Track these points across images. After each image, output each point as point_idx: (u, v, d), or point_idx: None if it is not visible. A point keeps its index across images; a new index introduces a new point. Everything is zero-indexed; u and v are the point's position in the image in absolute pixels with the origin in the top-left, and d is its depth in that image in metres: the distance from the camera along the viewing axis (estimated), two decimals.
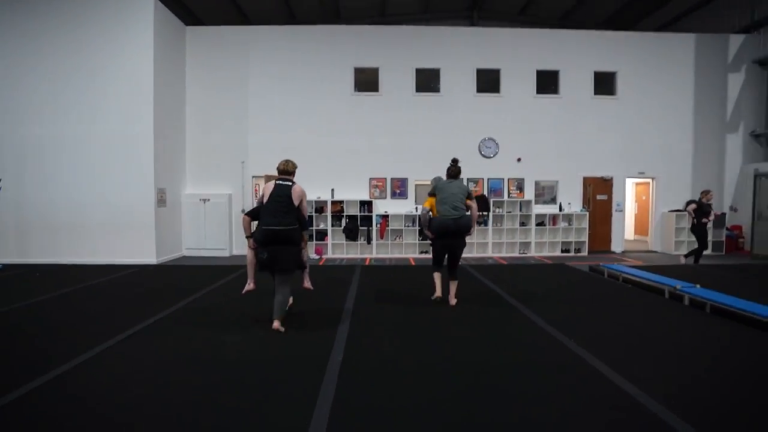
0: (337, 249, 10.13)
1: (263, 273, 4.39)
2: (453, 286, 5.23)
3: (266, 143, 10.04)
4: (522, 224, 10.31)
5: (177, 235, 9.71)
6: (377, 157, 10.15)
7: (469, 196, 5.14)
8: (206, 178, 10.09)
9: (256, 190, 10.76)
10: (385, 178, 10.20)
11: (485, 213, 9.84)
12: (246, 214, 4.47)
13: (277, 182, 4.41)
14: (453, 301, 5.19)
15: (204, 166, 10.07)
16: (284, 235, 4.24)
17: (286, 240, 4.27)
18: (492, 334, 4.15)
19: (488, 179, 10.36)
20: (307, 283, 4.84)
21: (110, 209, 8.72)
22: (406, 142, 10.17)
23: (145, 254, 8.79)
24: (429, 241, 5.57)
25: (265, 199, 4.37)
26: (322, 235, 9.83)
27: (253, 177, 10.13)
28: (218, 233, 9.84)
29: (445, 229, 5.04)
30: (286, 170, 4.49)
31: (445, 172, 5.27)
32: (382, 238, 9.92)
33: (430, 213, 5.20)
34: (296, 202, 4.35)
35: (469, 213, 5.06)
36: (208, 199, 9.82)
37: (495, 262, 9.17)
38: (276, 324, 4.26)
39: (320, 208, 9.90)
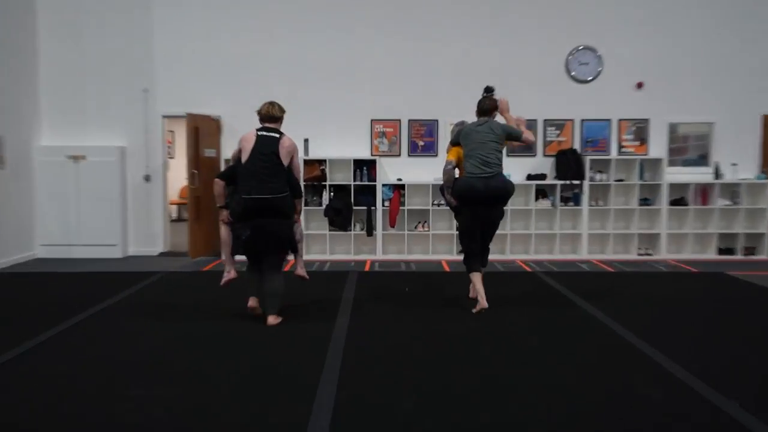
0: (315, 244, 9.62)
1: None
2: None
3: (187, 57, 9.48)
4: (644, 202, 9.52)
5: (25, 221, 9.28)
6: (384, 84, 9.58)
7: (510, 137, 5.78)
8: (78, 121, 9.56)
9: (169, 141, 10.68)
10: (399, 121, 9.64)
11: (576, 182, 9.18)
12: (219, 177, 5.49)
13: (259, 133, 5.26)
14: (477, 298, 5.83)
15: (74, 101, 9.56)
16: (271, 205, 5.10)
17: (274, 212, 5.14)
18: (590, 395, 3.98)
19: (582, 121, 9.65)
20: (301, 270, 5.80)
21: None
22: (435, 56, 9.55)
23: None
24: (454, 215, 6.37)
25: (244, 157, 5.20)
26: None
27: (164, 117, 9.64)
28: (102, 217, 9.38)
29: (472, 194, 5.65)
30: (271, 115, 5.38)
31: (476, 109, 5.91)
32: (393, 225, 9.36)
33: (456, 169, 5.93)
34: (285, 161, 5.21)
35: (502, 173, 5.74)
36: (84, 157, 9.25)
37: (594, 268, 8.76)
38: (272, 319, 5.29)
39: None
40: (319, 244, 9.42)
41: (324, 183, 9.26)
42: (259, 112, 5.35)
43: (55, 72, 9.44)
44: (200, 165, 8.91)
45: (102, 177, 9.22)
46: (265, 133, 5.21)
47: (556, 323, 5.51)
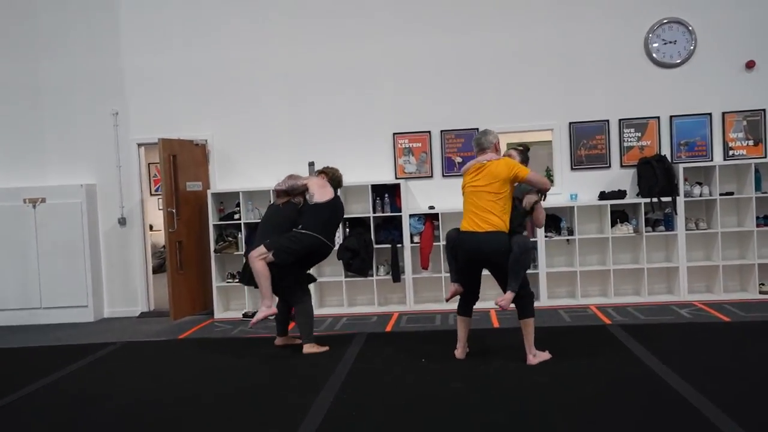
0: (329, 295, 8.87)
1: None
2: (523, 330, 5.73)
3: (165, 71, 8.89)
4: (765, 220, 8.31)
5: None
6: (408, 87, 8.86)
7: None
8: (35, 156, 9.04)
9: (157, 180, 10.49)
10: (428, 133, 8.83)
11: (667, 199, 8.07)
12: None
13: (336, 200, 6.45)
14: (530, 358, 5.63)
15: (28, 130, 9.01)
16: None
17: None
18: None
19: (671, 118, 8.55)
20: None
21: None
22: (472, 47, 8.74)
23: None
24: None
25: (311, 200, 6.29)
26: None
27: (139, 145, 8.99)
28: (68, 273, 8.69)
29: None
30: (334, 177, 6.48)
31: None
32: (425, 266, 8.53)
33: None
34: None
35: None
36: (43, 199, 8.66)
37: (697, 314, 7.58)
38: (306, 348, 6.02)
39: None
40: (335, 295, 8.43)
41: None
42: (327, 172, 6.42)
43: (3, 95, 8.87)
44: (180, 202, 7.93)
45: (66, 222, 8.52)
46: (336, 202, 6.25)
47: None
